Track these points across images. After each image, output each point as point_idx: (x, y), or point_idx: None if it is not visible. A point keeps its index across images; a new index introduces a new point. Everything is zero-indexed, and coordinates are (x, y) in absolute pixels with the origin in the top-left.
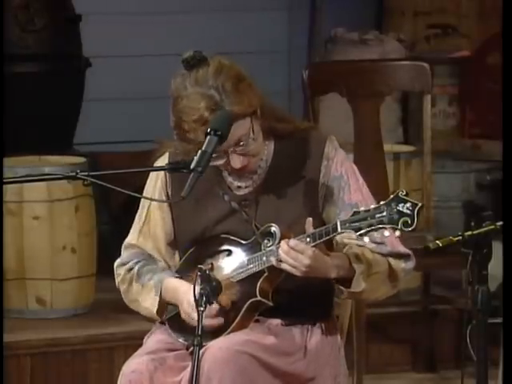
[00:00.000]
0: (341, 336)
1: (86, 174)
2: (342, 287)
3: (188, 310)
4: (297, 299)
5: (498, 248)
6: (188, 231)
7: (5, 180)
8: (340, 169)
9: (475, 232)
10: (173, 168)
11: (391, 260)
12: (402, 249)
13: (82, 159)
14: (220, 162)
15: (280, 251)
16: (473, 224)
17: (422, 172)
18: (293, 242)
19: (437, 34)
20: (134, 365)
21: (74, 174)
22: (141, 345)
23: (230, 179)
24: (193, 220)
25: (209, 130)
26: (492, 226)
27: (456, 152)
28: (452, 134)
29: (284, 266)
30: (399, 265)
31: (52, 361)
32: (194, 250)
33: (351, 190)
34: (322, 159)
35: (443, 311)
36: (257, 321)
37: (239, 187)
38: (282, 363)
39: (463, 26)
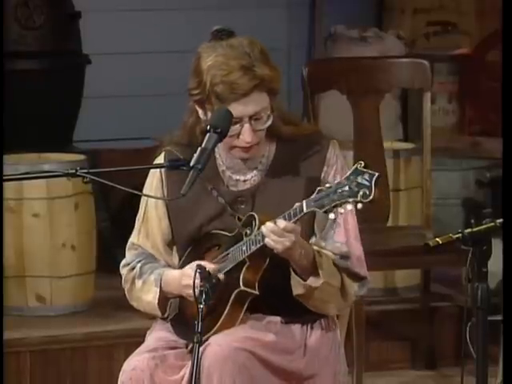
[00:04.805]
0: (340, 333)
1: (86, 171)
2: (299, 279)
3: (189, 282)
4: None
5: (497, 245)
6: (184, 231)
7: (4, 177)
8: (336, 177)
9: (475, 229)
10: (172, 166)
11: (346, 279)
12: (363, 271)
13: (81, 156)
14: (230, 133)
15: (263, 228)
16: (472, 221)
17: (421, 169)
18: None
19: (436, 32)
20: (135, 362)
21: (73, 171)
22: (141, 342)
23: (228, 173)
24: (188, 220)
25: (208, 127)
26: (492, 224)
27: (456, 149)
28: (452, 132)
29: (268, 241)
30: (352, 287)
31: (52, 358)
32: (191, 249)
33: None
34: (323, 165)
35: (443, 308)
36: (257, 318)
37: (237, 181)
38: (281, 360)
39: (463, 23)
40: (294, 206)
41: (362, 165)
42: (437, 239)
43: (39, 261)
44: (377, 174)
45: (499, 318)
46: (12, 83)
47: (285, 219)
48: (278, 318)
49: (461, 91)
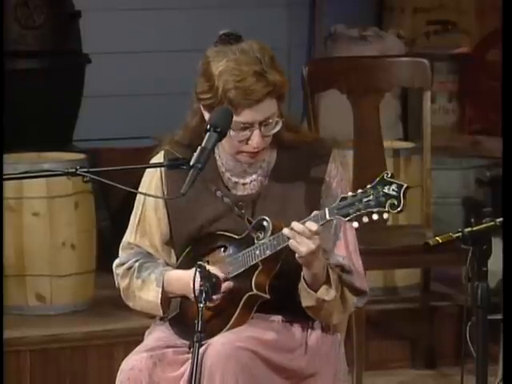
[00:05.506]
0: (340, 333)
1: (86, 170)
2: (310, 290)
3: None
4: (297, 296)
5: (497, 244)
6: (185, 231)
7: (4, 176)
8: (337, 190)
9: (475, 228)
10: (172, 165)
11: (346, 292)
12: (363, 285)
13: (81, 156)
14: (239, 138)
15: (286, 230)
16: (472, 220)
17: (421, 168)
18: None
19: (436, 31)
20: (133, 362)
21: (73, 170)
22: (141, 341)
23: (227, 175)
24: (189, 219)
25: (208, 126)
26: (492, 223)
27: (456, 148)
28: (452, 131)
29: (293, 243)
30: (352, 299)
31: (52, 357)
32: (190, 248)
33: None
34: (324, 176)
35: (443, 308)
36: (258, 317)
37: (236, 183)
38: (283, 359)
39: (463, 22)
40: (314, 213)
41: (389, 175)
42: (437, 238)
43: (39, 260)
44: (405, 185)
45: (499, 317)
46: (12, 83)
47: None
48: (279, 317)
49: (461, 90)
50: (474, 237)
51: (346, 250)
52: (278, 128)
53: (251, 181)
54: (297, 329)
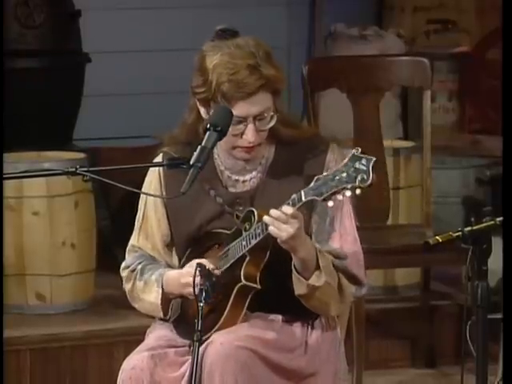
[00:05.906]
0: (340, 332)
1: (86, 169)
2: (301, 278)
3: (188, 280)
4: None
5: (497, 243)
6: (184, 231)
7: (4, 175)
8: None
9: (475, 228)
10: (172, 164)
11: (343, 280)
12: (361, 274)
13: (81, 155)
14: (233, 132)
15: (266, 217)
16: (472, 220)
17: (421, 167)
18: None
19: (436, 30)
20: (134, 361)
21: (73, 169)
22: (141, 340)
23: (227, 173)
24: (188, 220)
25: (208, 125)
26: (492, 222)
27: (456, 147)
28: (452, 130)
29: (272, 229)
30: (350, 288)
31: (52, 356)
32: (191, 250)
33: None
34: (322, 169)
35: (443, 307)
36: (258, 316)
37: (236, 181)
38: (282, 359)
39: (463, 21)
40: (292, 196)
41: (359, 151)
42: (437, 237)
43: (39, 259)
44: (374, 159)
45: (499, 316)
46: (12, 82)
47: None
48: (279, 317)
49: (461, 89)
50: (474, 236)
51: (341, 241)
52: (272, 123)
53: (251, 178)
54: (297, 328)
